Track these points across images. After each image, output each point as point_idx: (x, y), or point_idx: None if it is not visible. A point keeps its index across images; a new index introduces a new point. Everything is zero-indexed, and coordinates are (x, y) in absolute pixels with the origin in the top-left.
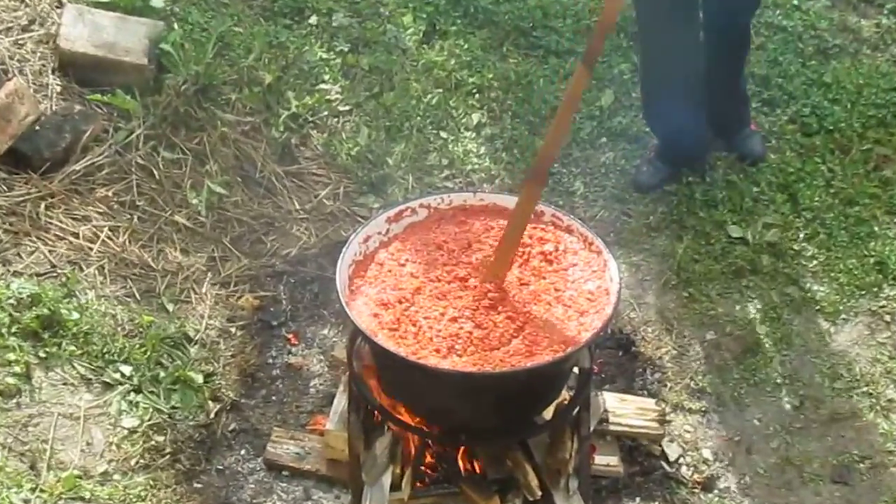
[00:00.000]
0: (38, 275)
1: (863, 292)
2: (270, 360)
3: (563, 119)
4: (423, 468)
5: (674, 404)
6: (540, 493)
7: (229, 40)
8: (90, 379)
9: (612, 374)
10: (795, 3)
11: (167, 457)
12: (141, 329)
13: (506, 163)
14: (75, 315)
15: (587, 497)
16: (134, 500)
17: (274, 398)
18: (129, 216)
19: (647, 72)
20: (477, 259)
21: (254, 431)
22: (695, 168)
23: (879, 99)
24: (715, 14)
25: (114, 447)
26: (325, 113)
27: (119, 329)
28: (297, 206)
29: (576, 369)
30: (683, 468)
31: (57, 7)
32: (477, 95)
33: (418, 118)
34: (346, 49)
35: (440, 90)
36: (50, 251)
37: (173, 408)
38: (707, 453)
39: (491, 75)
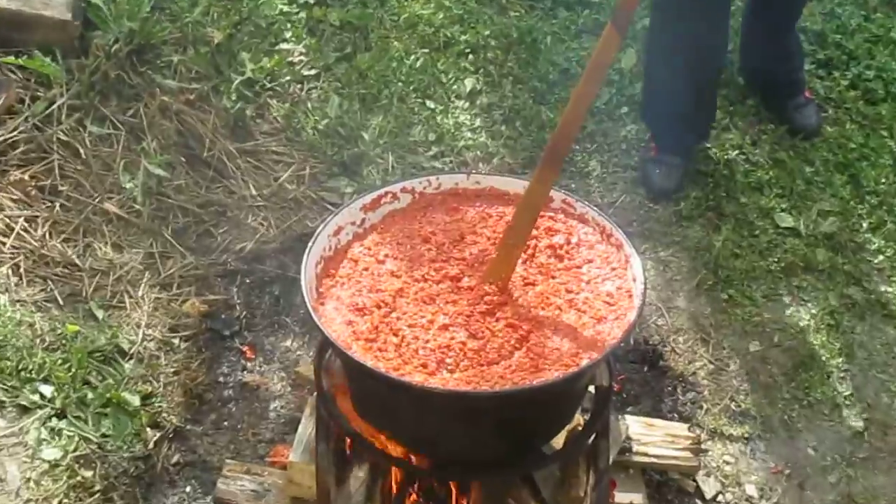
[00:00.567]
0: None
1: None
2: (221, 378)
3: (585, 92)
4: None
5: (711, 430)
6: None
7: None
8: (2, 402)
9: (635, 393)
10: None
11: (96, 496)
12: (64, 341)
13: (506, 138)
14: None
15: None
16: None
17: (226, 424)
18: (49, 204)
19: (657, 64)
20: (471, 254)
21: (202, 464)
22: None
23: None
24: None
25: (31, 484)
26: (287, 78)
27: (38, 341)
28: (254, 192)
29: (592, 388)
30: None
31: None
32: (470, 56)
33: (400, 84)
34: (311, 0)
35: (426, 50)
36: None
37: (104, 436)
38: (751, 489)
39: (487, 32)
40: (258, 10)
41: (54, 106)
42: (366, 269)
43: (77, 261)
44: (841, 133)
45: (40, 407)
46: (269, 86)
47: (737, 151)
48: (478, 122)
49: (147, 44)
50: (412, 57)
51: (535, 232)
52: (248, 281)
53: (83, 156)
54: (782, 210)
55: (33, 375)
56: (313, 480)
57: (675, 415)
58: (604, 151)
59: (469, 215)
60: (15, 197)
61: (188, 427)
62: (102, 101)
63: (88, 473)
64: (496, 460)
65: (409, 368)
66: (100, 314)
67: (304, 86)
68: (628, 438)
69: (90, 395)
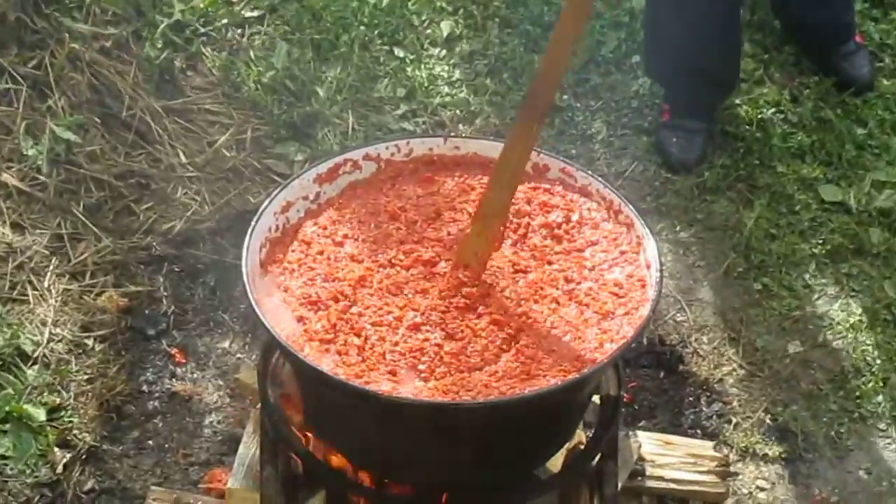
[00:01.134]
0: None
1: None
2: (145, 388)
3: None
4: None
5: (741, 449)
6: None
7: None
8: None
9: (650, 404)
10: None
11: None
12: None
13: (491, 93)
14: None
15: None
16: None
17: (151, 443)
18: None
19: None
20: (449, 234)
21: (121, 492)
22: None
23: None
24: None
25: None
26: (224, 21)
27: None
28: (184, 160)
29: (596, 398)
30: None
31: None
32: None
33: (362, 28)
34: None
35: None
36: None
37: (2, 458)
38: None
39: None
40: None
41: None
42: (320, 254)
43: None
44: None
45: None
46: (202, 31)
47: (773, 110)
48: (457, 73)
49: None
50: None
51: (527, 208)
52: (177, 269)
53: None
54: (828, 181)
55: None
56: None
57: (698, 431)
58: (611, 110)
59: (447, 187)
60: None
61: (105, 447)
62: None
63: None
64: (480, 487)
65: (374, 375)
66: None
67: (244, 31)
68: (641, 459)
69: None
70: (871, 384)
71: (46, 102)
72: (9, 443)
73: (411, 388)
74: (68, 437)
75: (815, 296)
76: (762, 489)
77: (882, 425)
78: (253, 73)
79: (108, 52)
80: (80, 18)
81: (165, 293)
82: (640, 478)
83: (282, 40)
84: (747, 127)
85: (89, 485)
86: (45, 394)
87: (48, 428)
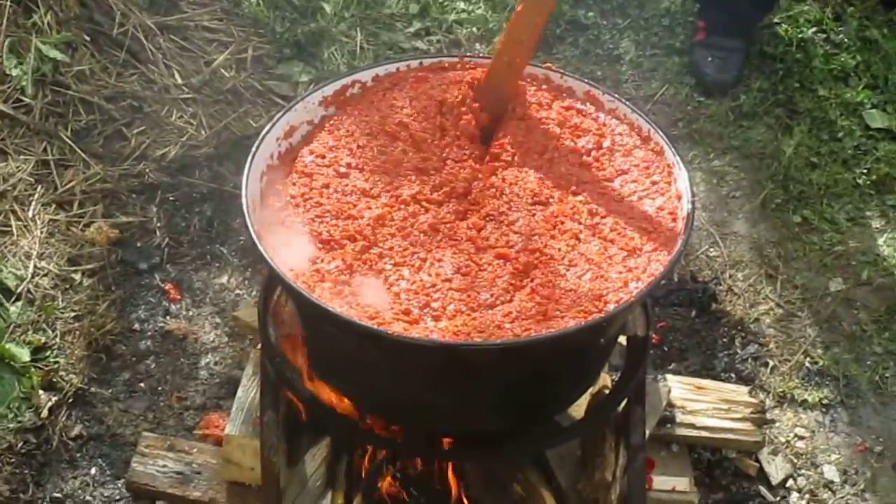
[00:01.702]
0: None
1: None
2: (137, 326)
3: None
4: (380, 495)
5: (779, 395)
6: None
7: None
8: None
9: (680, 346)
10: None
11: None
12: None
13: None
14: None
15: None
16: None
17: (142, 385)
18: None
19: None
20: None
21: (111, 438)
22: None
23: None
24: None
25: None
26: None
27: None
28: (179, 81)
29: (623, 339)
30: (794, 495)
31: None
32: None
33: None
34: None
35: None
36: None
37: None
38: (831, 472)
39: None
40: None
41: None
42: (326, 187)
43: None
44: None
45: None
46: None
47: (814, 29)
48: None
49: None
50: None
51: (557, 130)
52: (171, 198)
53: None
54: (873, 106)
55: None
56: (256, 460)
57: (733, 374)
58: (639, 28)
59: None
60: None
61: (93, 389)
62: None
63: None
64: (497, 434)
65: (388, 316)
66: None
67: None
68: (670, 405)
69: None
70: None
71: (31, 18)
72: None
73: (422, 329)
74: (54, 379)
75: (859, 229)
76: (801, 437)
77: None
78: None
79: None
80: None
81: (159, 224)
82: (669, 425)
83: None
84: (787, 47)
85: (76, 430)
86: (30, 332)
87: (32, 369)
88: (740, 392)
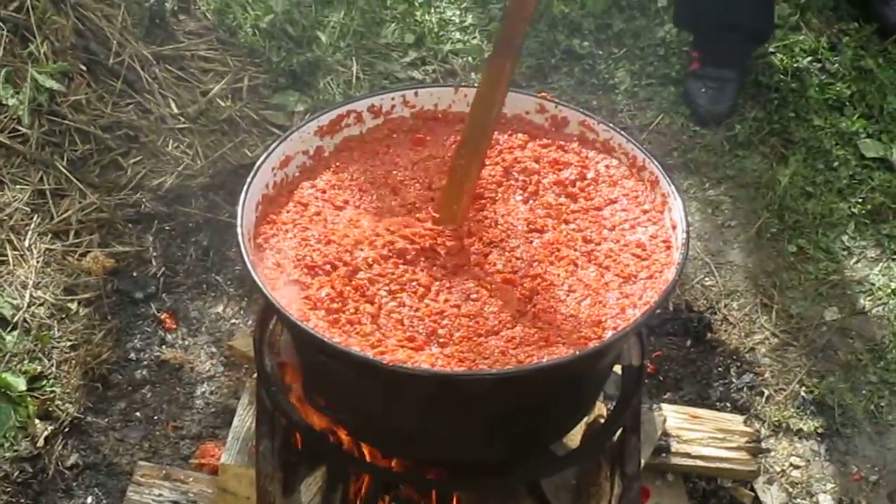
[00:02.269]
0: None
1: None
2: (133, 355)
3: None
4: None
5: (774, 423)
6: None
7: None
8: None
9: (676, 375)
10: None
11: None
12: None
13: None
14: None
15: None
16: None
17: (138, 415)
18: None
19: None
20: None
21: (107, 467)
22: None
23: None
24: None
25: None
26: None
27: None
28: (175, 110)
29: (618, 368)
30: None
31: None
32: None
33: None
34: None
35: None
36: None
37: None
38: (827, 501)
39: None
40: None
41: None
42: (317, 215)
43: None
44: None
45: None
46: None
47: (809, 58)
48: (469, 18)
49: None
50: None
51: (535, 166)
52: (167, 228)
53: None
54: (868, 136)
55: None
56: (252, 489)
57: (728, 404)
58: (635, 58)
59: (441, 147)
60: None
61: (89, 419)
62: None
63: None
64: (493, 463)
65: (391, 343)
66: None
67: None
68: (665, 434)
69: None
70: None
71: (27, 48)
72: None
73: (427, 355)
74: (50, 409)
75: (854, 259)
76: (796, 467)
77: None
78: (250, 17)
79: None
80: None
81: (155, 254)
82: (664, 454)
83: None
84: (782, 76)
85: (72, 459)
86: (26, 361)
87: (28, 398)
88: (735, 421)
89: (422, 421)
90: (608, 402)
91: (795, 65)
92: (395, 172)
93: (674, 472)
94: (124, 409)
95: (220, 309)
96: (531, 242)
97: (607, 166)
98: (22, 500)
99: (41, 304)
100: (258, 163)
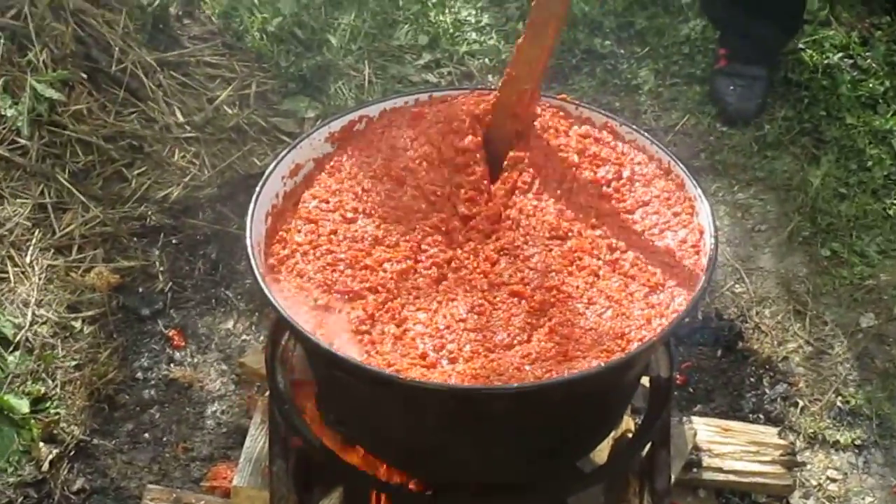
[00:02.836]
0: None
1: None
2: (140, 374)
3: None
4: None
5: (809, 435)
6: None
7: None
8: None
9: (706, 387)
10: None
11: None
12: None
13: None
14: None
15: None
16: None
17: (147, 436)
18: None
19: None
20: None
21: (115, 491)
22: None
23: None
24: None
25: None
26: None
27: None
28: (181, 119)
29: (646, 381)
30: None
31: None
32: None
33: None
34: None
35: None
36: None
37: None
38: None
39: None
40: None
41: None
42: (334, 234)
43: None
44: None
45: None
46: None
47: (840, 54)
48: (485, 18)
49: None
50: None
51: (576, 159)
52: (174, 241)
53: None
54: None
55: None
56: None
57: (761, 415)
58: (659, 57)
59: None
60: None
61: (95, 441)
62: None
63: None
64: (516, 482)
65: (405, 363)
66: None
67: None
68: (696, 449)
69: None
70: None
71: (26, 56)
72: None
73: (439, 372)
74: (55, 431)
75: (891, 262)
76: (833, 480)
77: None
78: (257, 21)
79: (95, 0)
80: None
81: (161, 268)
82: (695, 469)
83: None
84: (812, 74)
85: (79, 484)
86: (29, 382)
87: (32, 421)
88: (769, 434)
89: (439, 439)
90: (636, 415)
91: (826, 61)
92: (396, 161)
93: (706, 487)
94: (132, 430)
95: (230, 325)
96: (550, 251)
97: (640, 163)
98: None
99: (44, 323)
100: (267, 172)
